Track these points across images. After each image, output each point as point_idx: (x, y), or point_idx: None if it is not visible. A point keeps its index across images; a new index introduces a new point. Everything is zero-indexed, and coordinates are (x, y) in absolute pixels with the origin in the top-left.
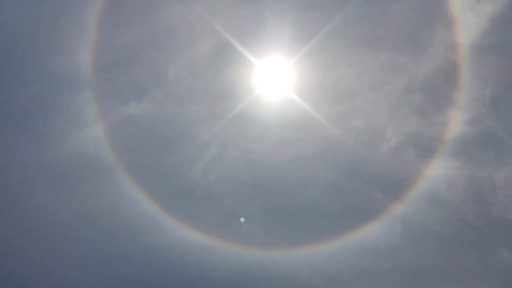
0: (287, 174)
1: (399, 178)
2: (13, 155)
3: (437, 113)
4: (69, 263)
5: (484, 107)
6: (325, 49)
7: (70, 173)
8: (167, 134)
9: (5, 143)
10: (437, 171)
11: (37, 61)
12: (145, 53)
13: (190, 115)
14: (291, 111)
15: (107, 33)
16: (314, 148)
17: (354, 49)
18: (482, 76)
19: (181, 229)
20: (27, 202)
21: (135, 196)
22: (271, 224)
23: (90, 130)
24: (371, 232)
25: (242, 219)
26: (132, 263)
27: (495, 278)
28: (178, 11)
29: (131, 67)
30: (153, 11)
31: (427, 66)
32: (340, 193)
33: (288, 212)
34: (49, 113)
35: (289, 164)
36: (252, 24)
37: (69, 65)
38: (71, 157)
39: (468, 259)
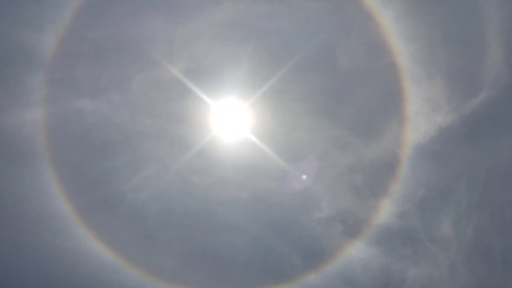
0: (217, 215)
1: (320, 249)
2: None
3: (371, 198)
4: None
5: (413, 206)
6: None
7: None
8: (111, 139)
9: None
10: (356, 253)
11: None
12: (114, 54)
13: (141, 128)
14: (246, 152)
15: (83, 22)
16: (251, 195)
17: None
18: (418, 177)
19: (91, 238)
20: None
21: (53, 192)
22: (184, 259)
23: (32, 112)
24: None
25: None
26: (26, 260)
27: None
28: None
29: (96, 63)
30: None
31: (374, 152)
32: (261, 248)
33: (205, 252)
34: None
35: (222, 206)
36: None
37: (33, 42)
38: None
39: None
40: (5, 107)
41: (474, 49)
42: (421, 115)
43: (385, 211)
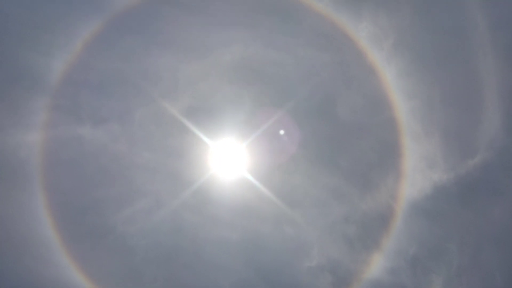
0: (205, 253)
1: None
2: None
3: (362, 251)
4: None
5: (405, 263)
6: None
7: None
8: (107, 169)
9: None
10: None
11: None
12: (119, 86)
13: (138, 160)
14: (240, 192)
15: (93, 52)
16: (242, 236)
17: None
18: (411, 234)
19: (74, 268)
20: None
21: (41, 217)
22: None
23: (31, 135)
24: None
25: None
26: (4, 284)
27: None
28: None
29: (101, 93)
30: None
31: (368, 204)
32: None
33: None
34: None
35: (211, 245)
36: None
37: (41, 66)
38: None
39: None
40: (4, 127)
41: (472, 111)
42: (418, 171)
43: (376, 265)
